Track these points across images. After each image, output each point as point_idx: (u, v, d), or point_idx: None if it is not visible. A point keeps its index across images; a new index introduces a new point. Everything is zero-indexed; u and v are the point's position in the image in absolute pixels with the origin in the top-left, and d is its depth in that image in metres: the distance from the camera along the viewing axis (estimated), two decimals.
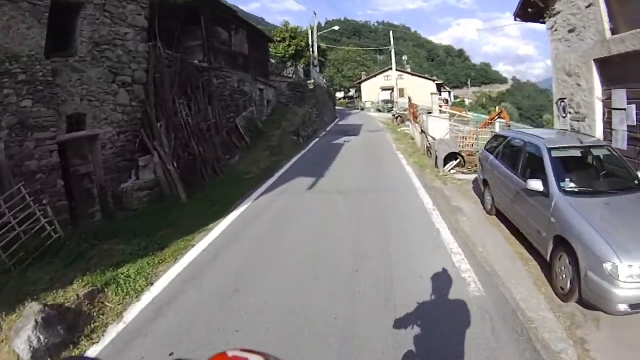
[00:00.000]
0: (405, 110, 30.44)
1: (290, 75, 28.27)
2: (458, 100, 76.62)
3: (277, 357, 0.82)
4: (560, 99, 9.83)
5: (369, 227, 7.23)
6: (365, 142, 19.80)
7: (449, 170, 12.26)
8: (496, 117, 17.32)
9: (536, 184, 5.35)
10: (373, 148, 17.74)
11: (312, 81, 28.63)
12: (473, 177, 10.98)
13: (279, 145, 17.78)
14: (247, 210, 8.85)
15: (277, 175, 12.74)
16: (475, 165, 12.54)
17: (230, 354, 0.79)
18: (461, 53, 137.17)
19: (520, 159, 6.45)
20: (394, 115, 30.73)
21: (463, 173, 12.03)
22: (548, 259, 5.18)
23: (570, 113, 9.43)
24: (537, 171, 5.88)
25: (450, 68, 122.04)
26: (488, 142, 9.13)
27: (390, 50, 52.24)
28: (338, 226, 7.42)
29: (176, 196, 10.38)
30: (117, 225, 8.72)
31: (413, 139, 18.44)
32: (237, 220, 8.23)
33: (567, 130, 9.00)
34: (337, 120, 35.55)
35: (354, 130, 25.44)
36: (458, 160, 12.59)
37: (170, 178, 10.53)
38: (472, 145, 15.43)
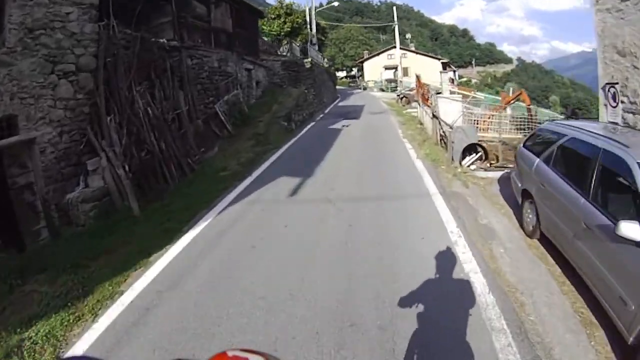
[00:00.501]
0: (410, 90, 27.99)
1: (285, 54, 25.79)
2: (464, 79, 73.48)
3: (277, 357, 0.75)
4: (608, 84, 7.47)
5: (365, 272, 4.95)
6: (367, 127, 17.49)
7: (468, 166, 10.12)
8: (514, 99, 15.08)
9: (633, 230, 3.14)
10: (375, 134, 15.46)
11: (309, 59, 26.16)
12: (497, 174, 8.88)
13: (266, 133, 15.59)
14: (205, 230, 6.69)
15: (256, 172, 10.59)
16: (497, 159, 10.38)
17: (230, 353, 0.72)
18: (465, 32, 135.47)
19: (590, 174, 4.18)
20: (398, 96, 28.28)
21: (485, 169, 9.89)
22: (630, 341, 3.12)
23: (622, 102, 7.14)
24: (620, 195, 3.74)
25: (454, 47, 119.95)
26: (529, 137, 6.77)
27: (394, 28, 49.28)
28: (320, 266, 5.19)
29: (128, 207, 8.32)
30: (56, 248, 6.93)
31: (422, 123, 16.12)
32: (188, 247, 6.08)
33: (618, 123, 6.73)
34: (337, 101, 33.20)
35: (354, 112, 23.15)
36: (479, 154, 10.44)
37: (121, 185, 8.43)
38: (488, 130, 13.28)
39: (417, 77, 15.97)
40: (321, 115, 22.54)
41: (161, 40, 12.71)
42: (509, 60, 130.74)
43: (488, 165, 10.32)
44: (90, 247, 6.67)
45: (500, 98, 23.74)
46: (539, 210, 5.31)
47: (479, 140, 10.91)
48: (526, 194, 5.83)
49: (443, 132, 12.07)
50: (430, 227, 6.19)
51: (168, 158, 10.27)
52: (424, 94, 14.38)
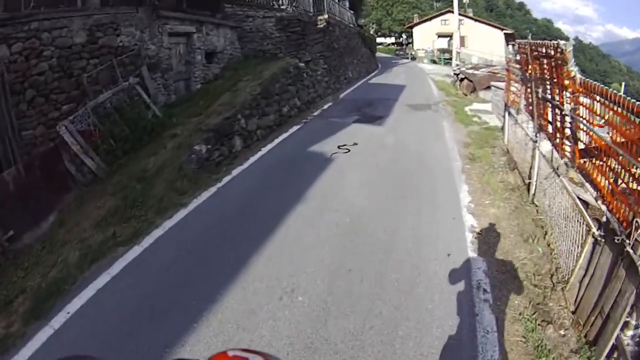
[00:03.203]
0: (474, 68, 17.11)
1: (284, 6, 15.66)
2: None
3: (278, 357, 0.66)
4: None
5: None
6: (388, 159, 7.44)
7: None
8: None
9: None
10: (398, 206, 5.47)
11: (325, 17, 15.91)
12: None
13: (158, 175, 6.35)
14: None
15: None
16: None
17: (230, 353, 0.64)
18: (521, 6, 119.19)
19: None
20: (456, 75, 17.52)
21: None
22: None
23: None
24: None
25: (510, 20, 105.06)
26: None
27: None
28: None
29: None
30: None
31: (518, 169, 6.09)
32: None
33: None
34: (371, 75, 22.74)
35: (383, 103, 13.04)
36: None
37: None
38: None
39: (526, 48, 5.22)
40: (326, 106, 12.60)
41: None
42: (565, 39, 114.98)
43: None
44: None
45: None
46: None
47: None
48: None
49: None
50: None
51: None
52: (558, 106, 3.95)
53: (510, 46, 6.98)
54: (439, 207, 5.20)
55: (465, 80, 14.90)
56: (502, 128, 7.91)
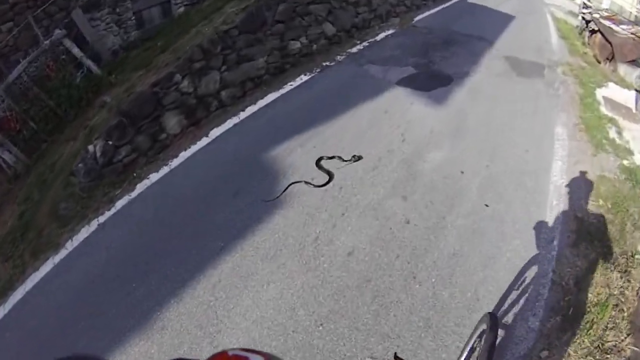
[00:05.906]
0: (613, 20, 10.90)
1: None
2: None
3: (278, 357, 0.60)
4: None
5: None
6: (398, 262, 3.85)
7: None
8: None
9: None
10: None
11: None
12: None
13: (53, 183, 4.16)
14: None
15: None
16: None
17: (230, 353, 0.59)
18: None
19: None
20: (585, 21, 11.42)
21: None
22: None
23: None
24: None
25: None
26: None
27: None
28: None
29: None
30: None
31: None
32: None
33: None
34: None
35: (468, 47, 8.00)
36: None
37: None
38: None
39: None
40: (380, 37, 7.99)
41: None
42: None
43: None
44: None
45: None
46: None
47: None
48: None
49: None
50: None
51: None
52: None
53: None
54: None
55: (599, 37, 9.34)
56: None
